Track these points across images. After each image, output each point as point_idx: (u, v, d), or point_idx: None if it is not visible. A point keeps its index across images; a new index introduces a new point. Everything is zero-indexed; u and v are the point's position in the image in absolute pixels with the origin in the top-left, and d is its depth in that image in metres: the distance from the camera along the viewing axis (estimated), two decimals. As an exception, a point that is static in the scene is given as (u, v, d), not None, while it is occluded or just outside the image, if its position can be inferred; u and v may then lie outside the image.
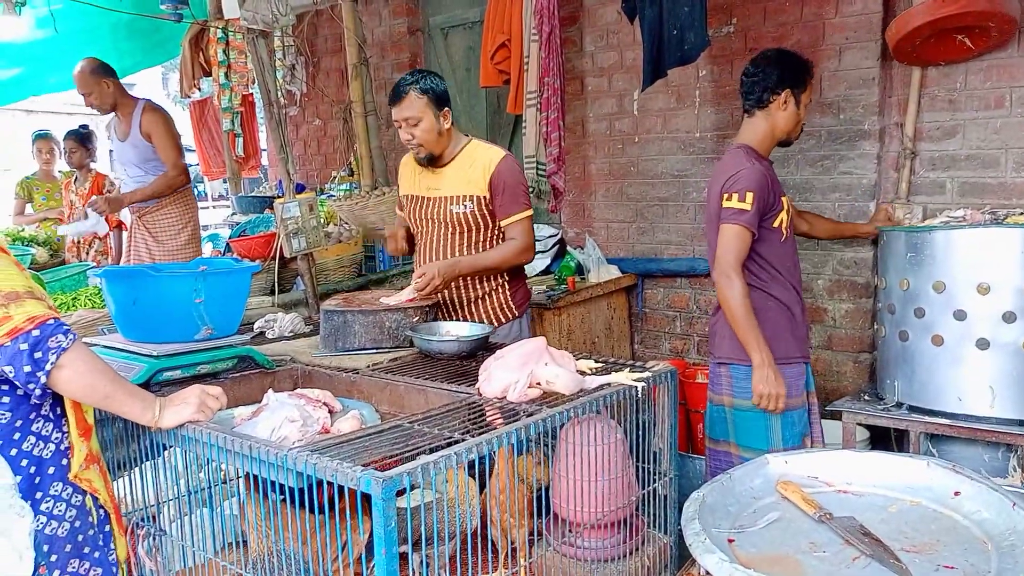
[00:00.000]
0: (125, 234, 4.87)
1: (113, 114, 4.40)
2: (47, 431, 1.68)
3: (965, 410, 2.63)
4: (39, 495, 1.66)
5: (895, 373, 2.84)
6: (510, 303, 2.95)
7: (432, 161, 2.82)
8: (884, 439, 3.25)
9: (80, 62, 4.21)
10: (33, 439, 1.66)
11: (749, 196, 2.60)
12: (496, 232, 2.89)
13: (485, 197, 2.81)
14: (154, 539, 2.06)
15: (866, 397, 3.00)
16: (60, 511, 1.68)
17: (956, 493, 1.62)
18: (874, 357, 3.49)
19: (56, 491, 1.69)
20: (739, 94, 2.85)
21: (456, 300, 2.91)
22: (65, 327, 1.60)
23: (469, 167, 2.82)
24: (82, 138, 5.44)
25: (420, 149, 2.78)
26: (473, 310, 2.92)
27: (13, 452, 1.63)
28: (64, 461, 1.70)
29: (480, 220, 2.84)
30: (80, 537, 1.72)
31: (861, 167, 3.64)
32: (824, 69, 3.68)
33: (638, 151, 4.36)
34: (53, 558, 1.66)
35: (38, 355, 1.55)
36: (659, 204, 4.33)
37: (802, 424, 2.75)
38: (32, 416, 1.66)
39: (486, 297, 2.92)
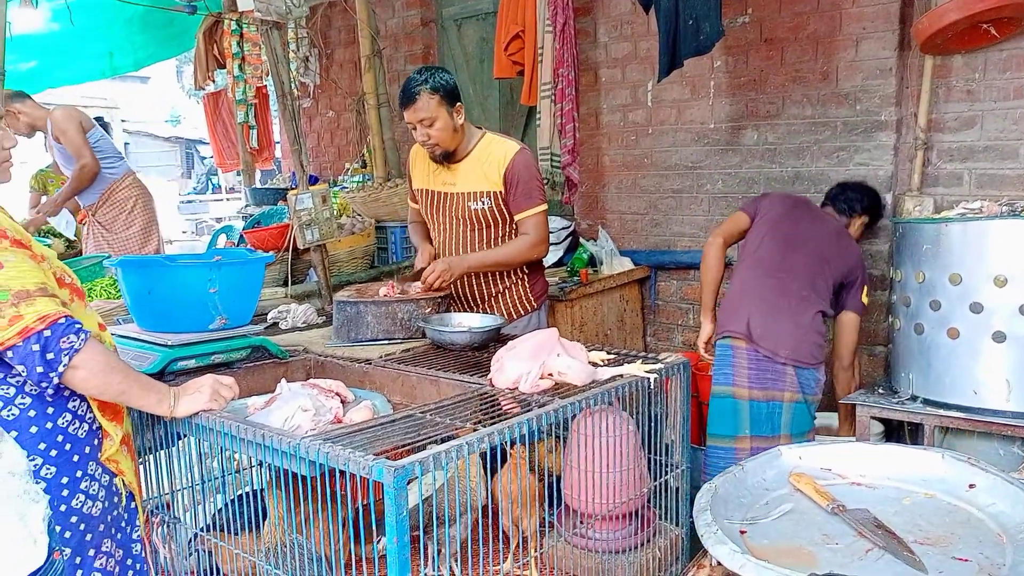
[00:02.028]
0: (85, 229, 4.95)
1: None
2: (82, 411, 1.71)
3: (981, 403, 2.61)
4: (79, 473, 1.68)
5: (910, 366, 2.81)
6: (529, 295, 2.96)
7: (448, 157, 2.78)
8: (898, 433, 3.23)
9: None
10: (69, 416, 1.69)
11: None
12: (512, 226, 2.86)
13: (501, 192, 2.78)
14: (168, 527, 2.08)
15: (880, 390, 2.98)
16: (95, 491, 1.71)
17: (971, 486, 1.60)
18: (889, 350, 3.46)
19: (92, 470, 1.71)
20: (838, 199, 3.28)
21: (477, 295, 2.91)
22: (77, 326, 1.60)
23: (485, 162, 2.78)
24: (97, 130, 5.48)
25: (436, 148, 2.73)
26: (494, 303, 2.92)
27: (49, 425, 1.65)
28: (96, 441, 1.73)
29: (498, 215, 2.82)
30: (108, 517, 1.74)
31: (877, 158, 3.61)
32: (840, 59, 3.64)
33: (652, 142, 4.34)
34: (88, 537, 1.69)
35: (50, 356, 1.55)
36: (673, 196, 4.31)
37: None
38: (67, 393, 1.68)
39: (506, 291, 2.93)
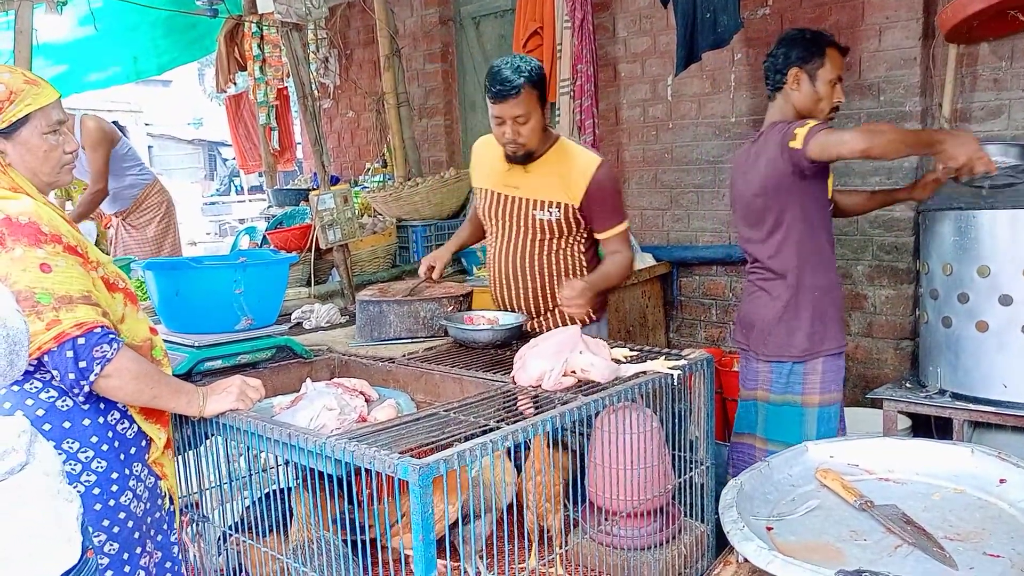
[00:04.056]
0: (111, 232, 4.98)
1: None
2: (132, 412, 1.74)
3: (1010, 397, 2.57)
4: (127, 471, 1.72)
5: (938, 360, 2.78)
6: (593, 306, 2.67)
7: (528, 158, 2.56)
8: (926, 428, 3.19)
9: None
10: (117, 415, 1.73)
11: (807, 122, 2.45)
12: (577, 239, 2.65)
13: (575, 206, 2.56)
14: (197, 525, 2.10)
15: (907, 385, 2.95)
16: (140, 491, 1.74)
17: (1002, 481, 1.58)
18: (916, 344, 3.42)
19: (138, 471, 1.75)
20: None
21: (542, 307, 2.71)
22: (111, 335, 1.63)
23: (560, 171, 2.56)
24: (117, 135, 5.54)
25: (522, 148, 2.50)
26: (551, 316, 2.72)
27: (101, 420, 1.69)
28: (143, 443, 1.77)
29: (565, 227, 2.60)
30: (149, 519, 1.78)
31: (902, 150, 3.56)
32: (863, 50, 3.60)
33: (672, 137, 4.32)
34: (136, 535, 1.73)
35: (82, 364, 1.59)
36: (694, 191, 4.29)
37: (837, 418, 2.63)
38: None
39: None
